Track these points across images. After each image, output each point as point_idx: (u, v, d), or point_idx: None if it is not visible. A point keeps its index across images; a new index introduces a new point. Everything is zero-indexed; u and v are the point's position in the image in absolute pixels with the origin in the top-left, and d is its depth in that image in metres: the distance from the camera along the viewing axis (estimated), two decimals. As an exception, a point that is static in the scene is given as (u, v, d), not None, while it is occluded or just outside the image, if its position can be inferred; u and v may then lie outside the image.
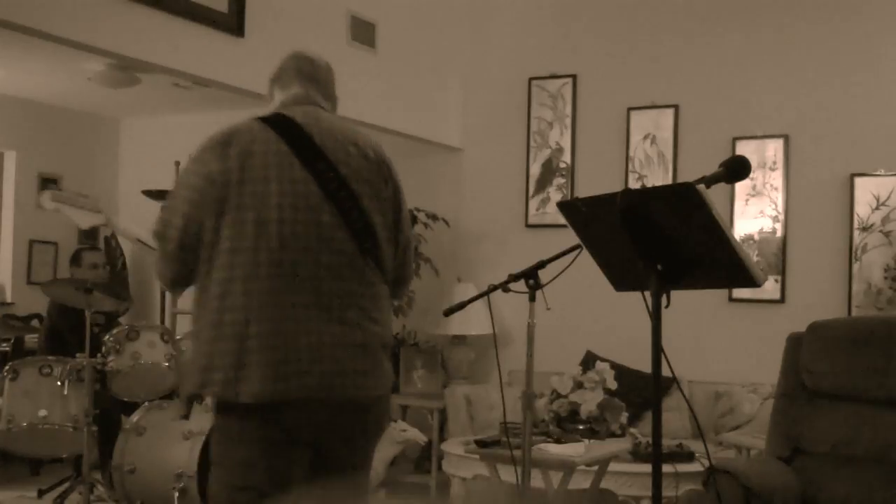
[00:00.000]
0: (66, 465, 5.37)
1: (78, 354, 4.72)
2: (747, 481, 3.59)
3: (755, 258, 5.40)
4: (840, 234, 5.27)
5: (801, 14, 5.44)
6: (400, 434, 4.94)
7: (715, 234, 2.19)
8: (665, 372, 2.32)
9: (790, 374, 4.20)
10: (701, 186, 2.18)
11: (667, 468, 3.20)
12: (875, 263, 5.17)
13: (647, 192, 2.49)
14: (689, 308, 5.17)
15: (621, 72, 5.89)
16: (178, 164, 7.20)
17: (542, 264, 2.94)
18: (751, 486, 3.58)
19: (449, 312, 3.65)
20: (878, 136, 5.22)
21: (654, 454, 2.34)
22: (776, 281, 5.39)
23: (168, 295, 7.32)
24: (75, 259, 5.91)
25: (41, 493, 5.30)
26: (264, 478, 2.34)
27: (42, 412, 4.54)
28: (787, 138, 5.42)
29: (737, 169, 2.33)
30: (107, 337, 4.85)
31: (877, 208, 5.18)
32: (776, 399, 4.26)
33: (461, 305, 3.59)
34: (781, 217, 5.41)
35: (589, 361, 4.82)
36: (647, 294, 2.32)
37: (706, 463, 4.02)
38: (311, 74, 2.81)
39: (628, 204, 2.24)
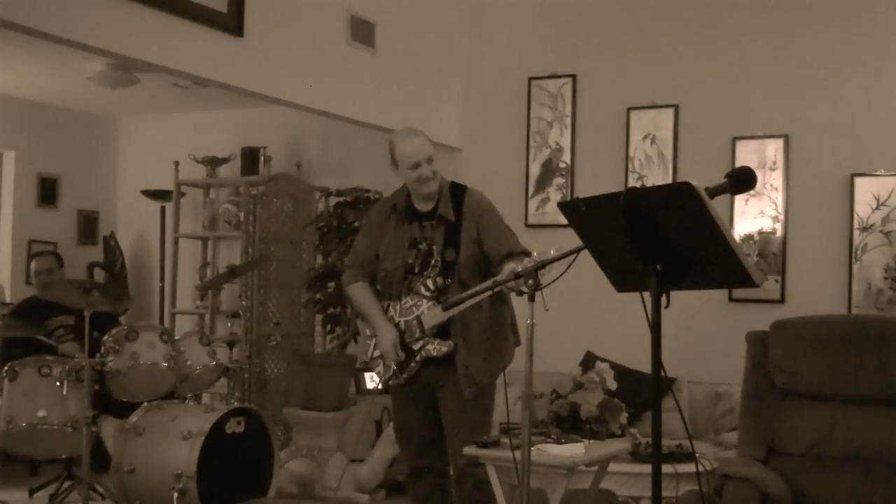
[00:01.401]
0: (66, 466, 5.36)
1: (77, 354, 4.72)
2: (764, 486, 3.60)
3: (755, 258, 5.39)
4: (840, 234, 5.27)
5: (801, 14, 5.44)
6: (399, 434, 4.93)
7: (713, 233, 2.19)
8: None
9: (757, 374, 4.21)
10: (699, 185, 2.18)
11: (667, 468, 3.19)
12: (875, 263, 5.16)
13: (648, 192, 2.48)
14: (689, 308, 5.17)
15: (621, 72, 5.88)
16: (177, 163, 7.22)
17: (542, 265, 2.93)
18: (768, 491, 3.58)
19: (448, 308, 3.65)
20: (878, 136, 5.22)
21: (654, 454, 2.33)
22: (776, 281, 5.38)
23: (167, 295, 7.33)
24: (28, 266, 5.98)
25: (32, 493, 5.31)
26: None
27: (41, 412, 4.55)
28: (787, 138, 5.41)
29: (742, 180, 2.34)
30: (106, 337, 4.85)
31: (877, 208, 5.17)
32: (744, 399, 4.26)
33: (460, 301, 3.59)
34: (781, 217, 5.41)
35: (589, 361, 4.82)
36: (647, 295, 2.32)
37: (706, 465, 4.03)
38: None
39: (631, 203, 2.24)
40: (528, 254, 3.64)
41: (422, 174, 3.75)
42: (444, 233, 3.75)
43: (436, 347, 3.70)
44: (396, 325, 3.75)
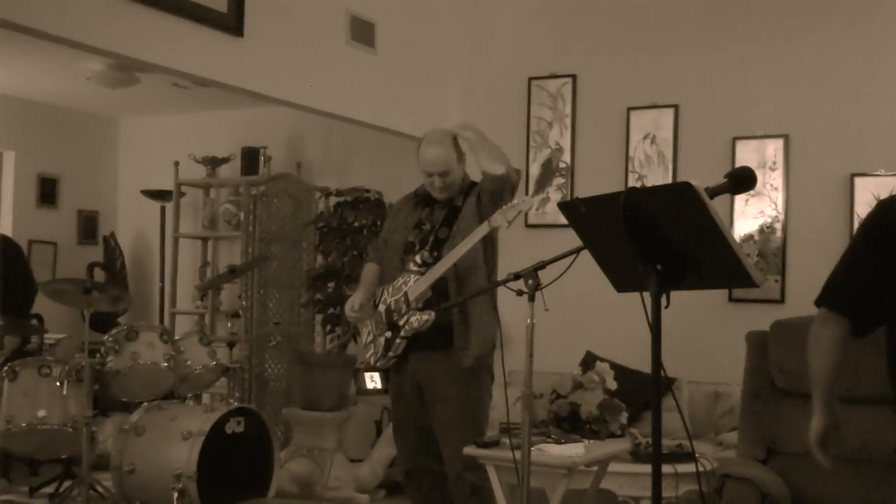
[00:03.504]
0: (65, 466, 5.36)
1: (77, 354, 4.72)
2: (764, 487, 3.59)
3: (755, 258, 5.39)
4: (840, 234, 5.26)
5: (801, 14, 5.44)
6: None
7: (713, 233, 2.19)
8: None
9: (758, 374, 4.20)
10: (699, 185, 2.18)
11: (667, 468, 3.19)
12: (875, 263, 5.15)
13: (648, 192, 2.48)
14: (689, 308, 5.16)
15: (621, 72, 5.88)
16: (177, 163, 7.22)
17: (542, 265, 2.93)
18: (768, 491, 3.57)
19: (446, 308, 3.65)
20: (878, 136, 5.22)
21: (654, 454, 2.33)
22: (776, 281, 5.38)
23: (167, 295, 7.33)
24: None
25: (32, 492, 5.31)
26: None
27: (41, 412, 4.55)
28: (787, 138, 5.41)
29: (742, 180, 2.34)
30: (106, 337, 4.86)
31: (877, 208, 5.17)
32: (744, 399, 4.25)
33: (460, 302, 3.59)
34: (781, 217, 5.41)
35: (589, 361, 4.81)
36: (647, 295, 2.32)
37: (706, 465, 4.03)
38: None
39: (631, 203, 2.23)
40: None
41: (432, 183, 3.88)
42: (446, 213, 3.86)
43: (417, 319, 3.71)
44: (388, 306, 3.77)
